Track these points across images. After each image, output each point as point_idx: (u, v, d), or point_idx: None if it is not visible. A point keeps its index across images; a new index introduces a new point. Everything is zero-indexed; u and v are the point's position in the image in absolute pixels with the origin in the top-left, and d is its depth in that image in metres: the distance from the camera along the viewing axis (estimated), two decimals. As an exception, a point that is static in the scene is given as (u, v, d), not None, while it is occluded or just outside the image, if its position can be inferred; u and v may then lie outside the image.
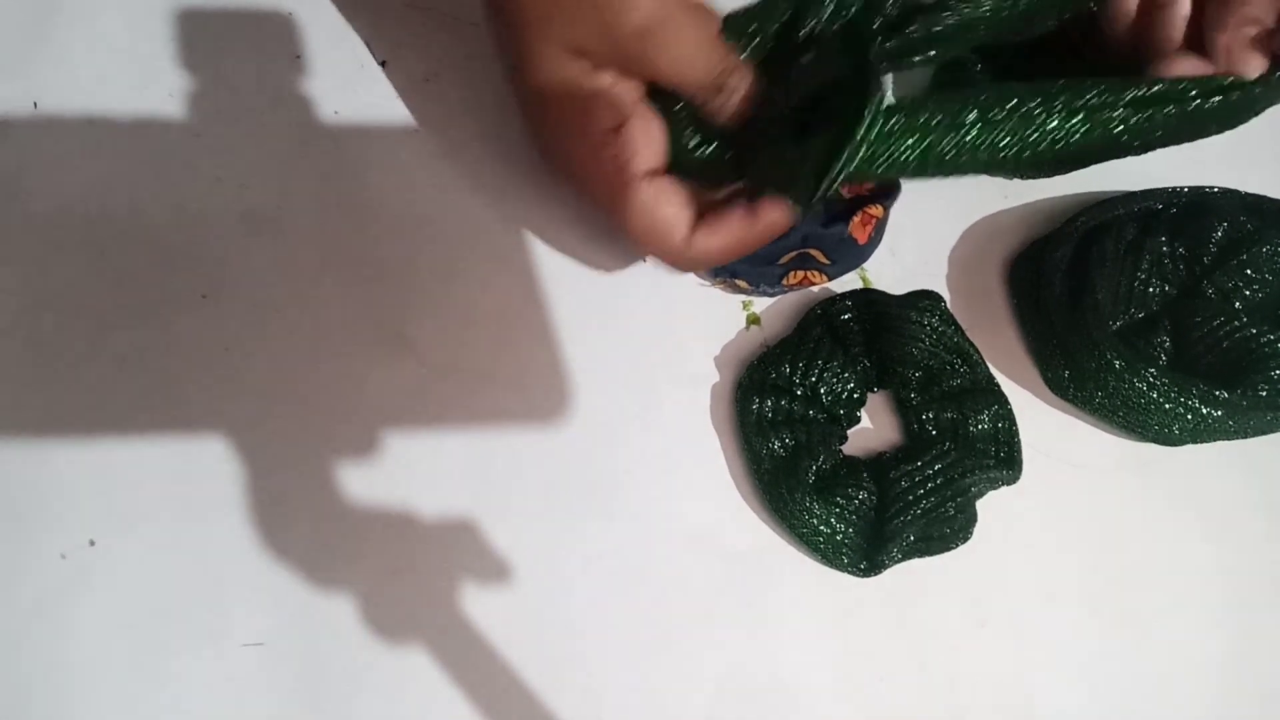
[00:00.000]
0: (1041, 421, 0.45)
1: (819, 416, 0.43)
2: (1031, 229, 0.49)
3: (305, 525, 0.41)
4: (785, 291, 0.46)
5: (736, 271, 0.45)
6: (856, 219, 0.44)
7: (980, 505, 0.42)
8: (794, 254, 0.44)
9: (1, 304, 0.43)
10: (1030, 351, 0.47)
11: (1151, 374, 0.41)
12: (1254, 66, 0.37)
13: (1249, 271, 0.44)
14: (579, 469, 0.43)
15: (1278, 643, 0.44)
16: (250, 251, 0.45)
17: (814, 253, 0.44)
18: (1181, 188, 0.46)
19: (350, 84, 0.49)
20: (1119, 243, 0.44)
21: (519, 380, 0.44)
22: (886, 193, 0.45)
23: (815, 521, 0.40)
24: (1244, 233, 0.44)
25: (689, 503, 0.43)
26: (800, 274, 0.45)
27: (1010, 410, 0.43)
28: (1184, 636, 0.43)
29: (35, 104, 0.47)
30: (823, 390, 0.43)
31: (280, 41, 0.50)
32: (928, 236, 0.49)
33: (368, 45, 0.50)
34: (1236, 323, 0.42)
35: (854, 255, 0.45)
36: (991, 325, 0.47)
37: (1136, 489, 0.45)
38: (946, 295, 0.48)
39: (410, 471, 0.42)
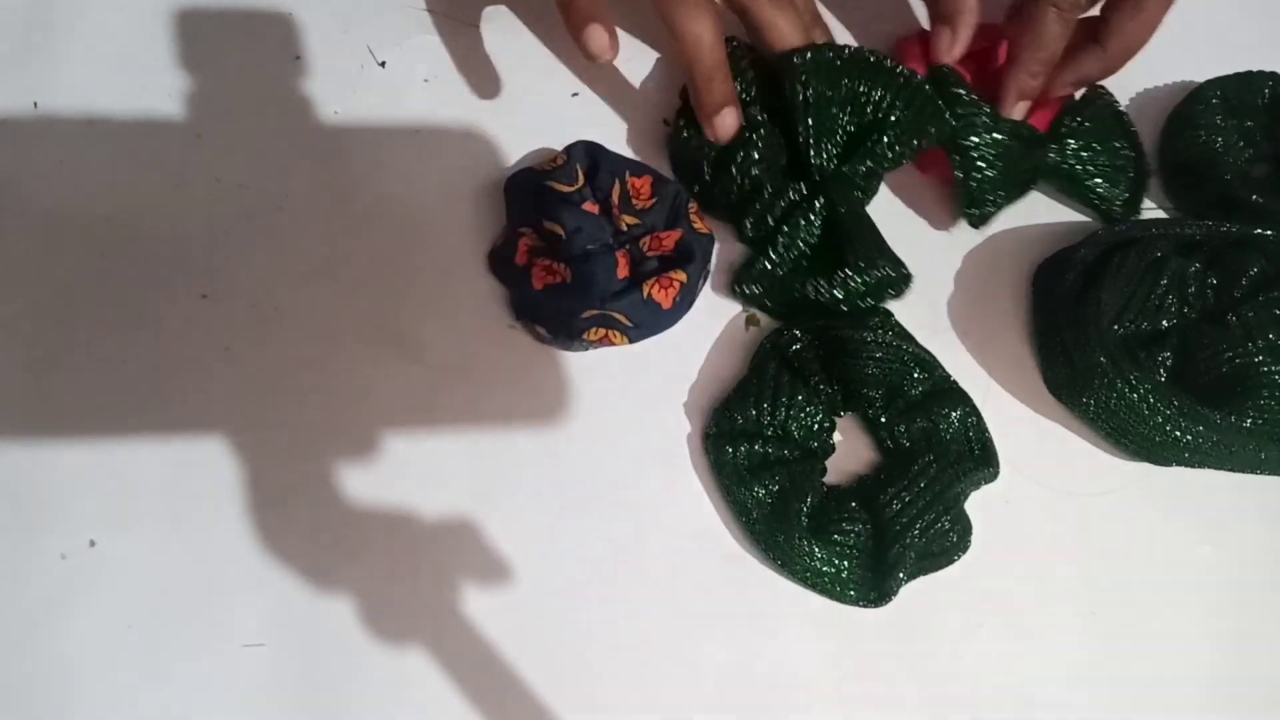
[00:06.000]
0: (1042, 428, 0.46)
1: (795, 455, 0.43)
2: (1071, 240, 0.48)
3: (305, 525, 0.41)
4: (586, 348, 0.45)
5: (538, 317, 0.44)
6: (653, 284, 0.43)
7: (976, 511, 0.42)
8: (595, 312, 0.43)
9: (1, 304, 0.43)
10: (1036, 350, 0.46)
11: (1134, 378, 0.41)
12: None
13: (1276, 311, 0.43)
14: (579, 469, 0.43)
15: (1277, 643, 0.44)
16: (250, 251, 0.45)
17: (615, 314, 0.43)
18: (1231, 227, 0.45)
19: (350, 84, 0.49)
20: (1143, 255, 0.44)
21: (519, 380, 0.45)
22: (688, 258, 0.44)
23: (817, 564, 0.40)
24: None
25: (687, 503, 0.43)
26: (601, 332, 0.44)
27: (975, 407, 0.43)
28: (1185, 638, 0.43)
29: (35, 104, 0.47)
30: (793, 427, 0.42)
31: (280, 42, 0.50)
32: (944, 239, 0.49)
33: (368, 46, 0.50)
34: (1241, 349, 0.42)
35: (659, 319, 0.44)
36: (1008, 330, 0.47)
37: (1134, 491, 0.45)
38: (950, 289, 0.48)
39: (410, 471, 0.42)
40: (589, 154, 0.46)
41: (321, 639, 0.40)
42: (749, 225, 0.46)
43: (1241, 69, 0.51)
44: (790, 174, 0.47)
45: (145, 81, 0.48)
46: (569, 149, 0.46)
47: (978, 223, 0.47)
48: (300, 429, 0.43)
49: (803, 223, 0.45)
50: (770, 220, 0.46)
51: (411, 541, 0.41)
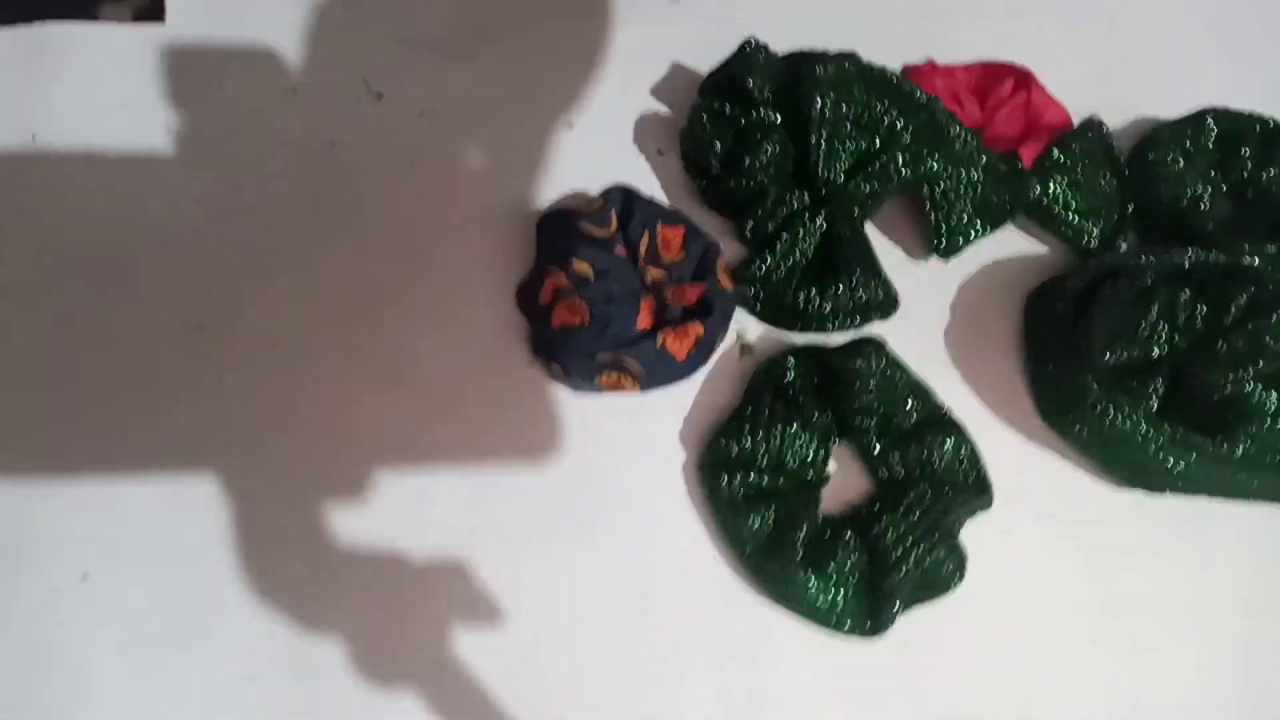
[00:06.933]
0: (1036, 456, 0.46)
1: (790, 484, 0.42)
2: (1064, 269, 0.49)
3: (297, 560, 0.41)
4: (598, 390, 0.44)
5: (554, 353, 0.44)
6: (669, 334, 0.43)
7: (971, 540, 0.42)
8: (609, 356, 0.43)
9: (-3, 336, 0.43)
10: (1028, 379, 0.47)
11: (1126, 405, 0.41)
12: None
13: (1267, 338, 0.43)
14: (574, 501, 0.43)
15: (1269, 667, 0.43)
16: (243, 283, 0.45)
17: (628, 360, 0.43)
18: (1220, 255, 0.45)
19: (347, 116, 0.50)
20: (1133, 284, 0.44)
21: (521, 413, 0.44)
22: (707, 310, 0.44)
23: (813, 595, 0.40)
24: (1269, 300, 0.43)
25: (683, 534, 0.43)
26: (614, 376, 0.44)
27: (968, 436, 0.43)
28: (1185, 664, 0.43)
29: (34, 136, 0.47)
30: (788, 457, 0.42)
31: (276, 74, 0.50)
32: (938, 268, 0.49)
33: (364, 79, 0.51)
34: (1232, 376, 0.42)
35: (672, 370, 0.44)
36: (1001, 359, 0.47)
37: (1130, 518, 0.45)
38: (944, 318, 0.48)
39: (404, 506, 0.42)
40: (625, 200, 0.46)
41: (313, 675, 0.39)
42: (749, 228, 0.47)
43: (1207, 104, 0.51)
44: (795, 181, 0.48)
45: (142, 115, 0.48)
46: (606, 193, 0.46)
47: (947, 254, 0.47)
48: (293, 462, 0.42)
49: (802, 233, 0.46)
50: (770, 226, 0.47)
51: (405, 577, 0.41)
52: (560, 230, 0.46)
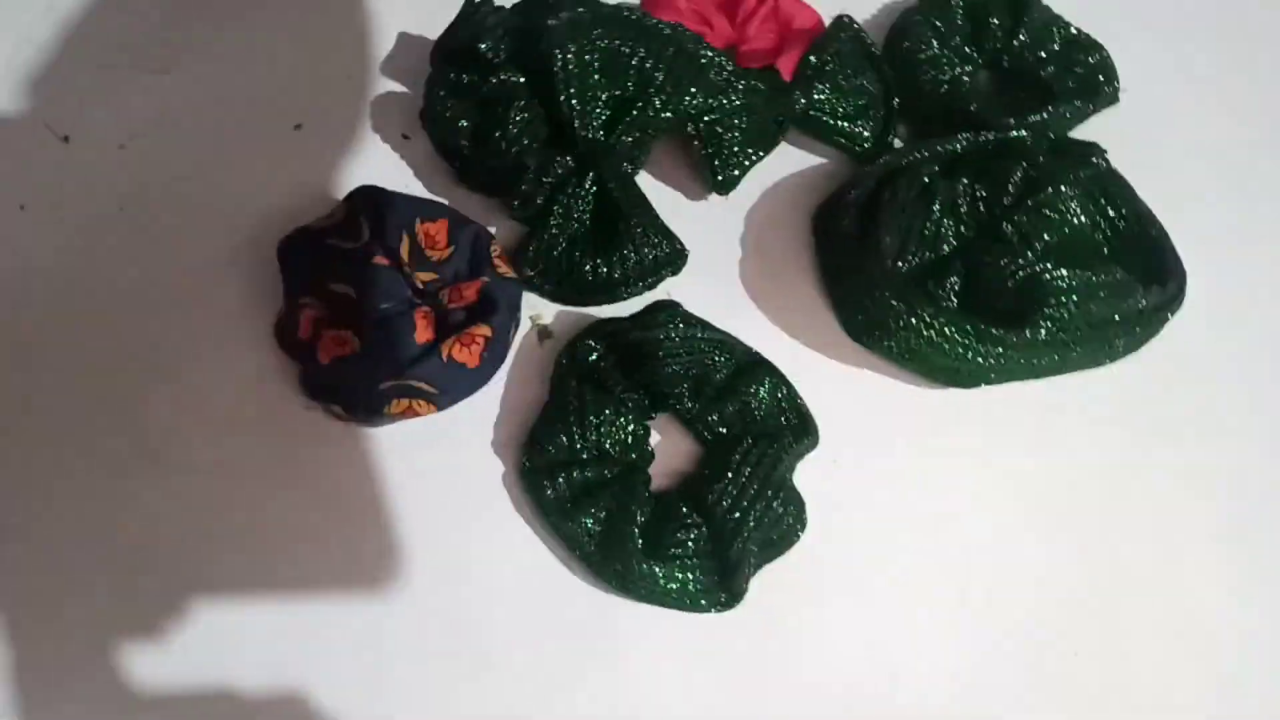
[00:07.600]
0: (854, 377, 0.44)
1: (616, 472, 0.40)
2: (844, 178, 0.47)
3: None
4: (390, 421, 0.41)
5: (338, 391, 0.40)
6: (453, 344, 0.39)
7: (806, 482, 0.41)
8: (394, 382, 0.39)
9: None
10: (829, 298, 0.45)
11: (927, 315, 0.40)
12: None
13: (1046, 212, 0.42)
14: (400, 548, 0.39)
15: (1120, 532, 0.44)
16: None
17: (416, 382, 0.39)
18: (988, 134, 0.44)
19: (34, 169, 0.43)
20: (912, 184, 0.43)
21: (300, 470, 0.40)
22: (492, 306, 0.41)
23: (661, 583, 0.38)
24: (1043, 173, 0.43)
25: (520, 551, 0.40)
26: (404, 403, 0.40)
27: (782, 376, 0.42)
28: (1036, 561, 0.42)
29: None
30: (607, 444, 0.40)
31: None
32: (718, 206, 0.47)
33: (44, 122, 0.44)
34: (1022, 260, 0.41)
35: (468, 380, 0.41)
36: (801, 286, 0.45)
37: (953, 421, 0.44)
38: (736, 256, 0.46)
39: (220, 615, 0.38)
40: (372, 202, 0.41)
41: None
42: (516, 205, 0.43)
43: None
44: (555, 145, 0.44)
45: None
46: (349, 198, 0.41)
47: (725, 189, 0.45)
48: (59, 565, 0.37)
49: (573, 200, 0.43)
50: (539, 199, 0.43)
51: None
52: (306, 253, 0.41)
